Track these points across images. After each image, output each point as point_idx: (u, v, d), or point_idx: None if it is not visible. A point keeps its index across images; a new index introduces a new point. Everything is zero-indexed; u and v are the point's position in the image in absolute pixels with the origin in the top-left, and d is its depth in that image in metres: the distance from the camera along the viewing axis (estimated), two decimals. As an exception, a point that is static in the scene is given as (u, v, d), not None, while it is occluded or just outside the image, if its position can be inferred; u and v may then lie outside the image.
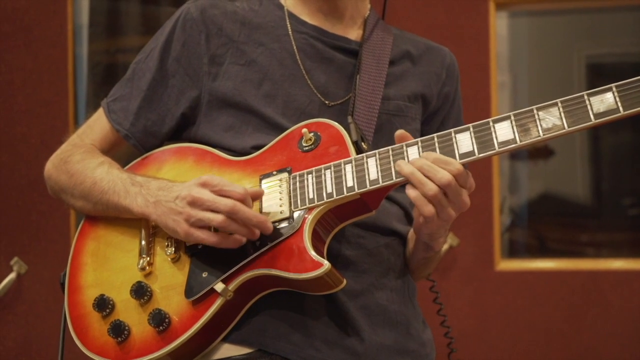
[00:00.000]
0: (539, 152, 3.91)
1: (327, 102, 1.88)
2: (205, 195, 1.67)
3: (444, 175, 1.60)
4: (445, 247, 3.30)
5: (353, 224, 1.78)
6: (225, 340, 1.73)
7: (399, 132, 1.68)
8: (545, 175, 4.14)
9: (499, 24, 3.54)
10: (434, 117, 2.00)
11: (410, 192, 1.64)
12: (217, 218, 1.65)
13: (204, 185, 1.68)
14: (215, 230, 1.69)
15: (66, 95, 3.10)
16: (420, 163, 1.62)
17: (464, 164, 1.63)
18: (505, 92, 3.77)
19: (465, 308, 3.33)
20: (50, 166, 1.97)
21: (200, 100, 1.89)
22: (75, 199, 1.90)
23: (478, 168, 3.31)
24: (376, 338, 1.78)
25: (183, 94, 1.90)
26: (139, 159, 1.93)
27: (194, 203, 1.67)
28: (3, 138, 3.10)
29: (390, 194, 1.83)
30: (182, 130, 1.94)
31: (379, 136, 1.87)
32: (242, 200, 1.67)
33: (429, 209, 1.63)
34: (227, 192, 1.67)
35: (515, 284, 3.34)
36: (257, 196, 1.72)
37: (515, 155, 3.95)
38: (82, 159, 1.91)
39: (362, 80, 1.89)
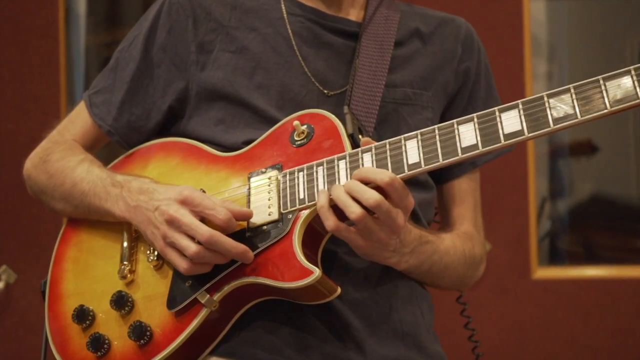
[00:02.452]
0: (581, 148, 3.87)
1: (325, 91, 1.87)
2: (184, 217, 1.66)
3: (372, 196, 1.59)
4: (476, 253, 3.27)
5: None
6: (213, 353, 1.73)
7: (365, 140, 1.68)
8: (593, 174, 4.10)
9: (536, 8, 3.51)
10: (455, 100, 1.97)
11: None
12: (190, 248, 1.65)
13: (184, 202, 1.68)
14: None
15: (57, 89, 3.13)
16: (349, 185, 1.61)
17: (468, 159, 1.61)
18: (543, 83, 3.74)
19: (499, 321, 3.31)
20: (29, 165, 1.99)
21: (188, 92, 1.90)
22: (56, 201, 1.92)
23: (512, 166, 3.28)
24: (380, 350, 1.76)
25: (169, 85, 1.91)
26: (123, 156, 1.95)
27: (171, 223, 1.67)
28: (-9, 135, 3.15)
29: None
30: (170, 125, 1.95)
31: (383, 128, 1.86)
32: (225, 226, 1.66)
33: (329, 223, 1.62)
34: (208, 215, 1.66)
35: (555, 294, 3.31)
36: (245, 218, 1.70)
37: (558, 152, 3.91)
38: (61, 157, 1.92)
39: (361, 66, 1.87)
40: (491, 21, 3.30)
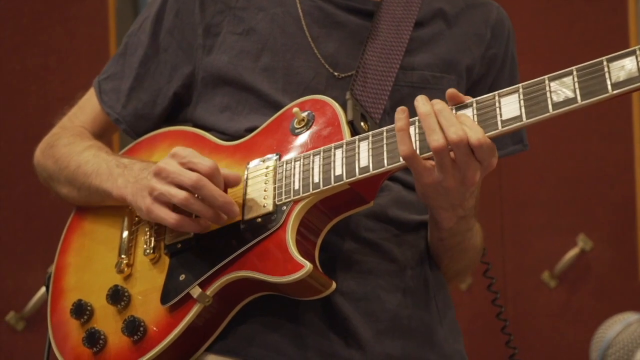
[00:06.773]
0: None
1: (336, 73, 1.97)
2: (171, 166, 1.80)
3: (458, 131, 1.64)
4: (575, 251, 3.29)
5: (362, 215, 1.87)
6: (209, 350, 1.85)
7: (450, 91, 1.73)
8: None
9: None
10: (477, 86, 2.04)
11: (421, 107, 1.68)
12: (178, 194, 1.78)
13: (173, 156, 1.82)
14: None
15: (107, 80, 3.29)
16: (440, 107, 1.67)
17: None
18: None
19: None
20: (38, 152, 2.17)
21: (194, 78, 2.03)
22: (61, 185, 2.08)
23: (616, 155, 3.28)
24: (381, 348, 1.86)
25: (176, 70, 2.05)
26: (130, 146, 2.10)
27: (159, 174, 1.81)
28: (37, 130, 3.23)
29: (410, 180, 1.90)
30: (177, 112, 2.09)
31: None
32: (210, 175, 1.78)
33: (404, 148, 1.67)
34: (195, 164, 1.79)
35: (667, 299, 3.28)
36: (234, 182, 1.83)
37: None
38: (69, 142, 2.09)
39: (372, 47, 1.97)
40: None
